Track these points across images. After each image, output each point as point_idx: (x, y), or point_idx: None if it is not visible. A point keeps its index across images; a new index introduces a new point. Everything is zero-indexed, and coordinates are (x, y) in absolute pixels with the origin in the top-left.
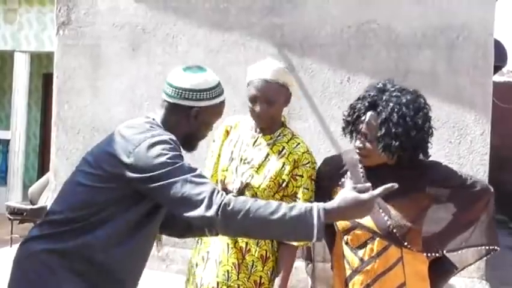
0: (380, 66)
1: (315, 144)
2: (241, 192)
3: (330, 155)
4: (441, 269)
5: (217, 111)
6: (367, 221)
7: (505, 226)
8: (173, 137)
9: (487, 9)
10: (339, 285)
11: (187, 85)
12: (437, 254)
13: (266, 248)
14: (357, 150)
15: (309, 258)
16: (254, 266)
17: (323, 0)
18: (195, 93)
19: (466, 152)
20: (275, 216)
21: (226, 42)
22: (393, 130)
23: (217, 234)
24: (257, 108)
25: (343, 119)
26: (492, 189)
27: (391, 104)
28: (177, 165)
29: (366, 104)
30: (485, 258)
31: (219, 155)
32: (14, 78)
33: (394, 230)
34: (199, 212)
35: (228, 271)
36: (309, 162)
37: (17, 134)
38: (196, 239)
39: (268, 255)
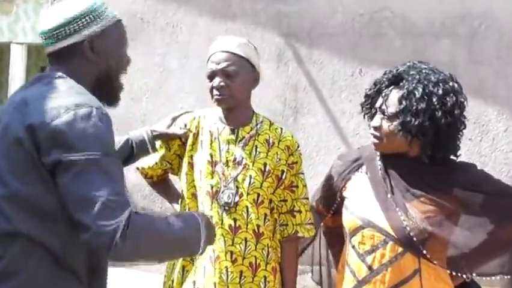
0: (394, 57)
1: (324, 141)
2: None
3: (340, 152)
4: None
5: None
6: (380, 219)
7: None
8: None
9: None
10: None
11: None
12: (464, 276)
13: (275, 258)
14: (372, 131)
15: (317, 262)
16: (267, 282)
17: None
18: (74, 24)
19: (488, 150)
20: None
21: (229, 32)
22: (415, 106)
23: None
24: (215, 83)
25: (365, 94)
26: None
27: (417, 77)
28: None
29: (391, 77)
30: None
31: (191, 163)
32: (11, 70)
33: (411, 234)
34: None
35: None
36: (298, 146)
37: None
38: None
39: (275, 266)
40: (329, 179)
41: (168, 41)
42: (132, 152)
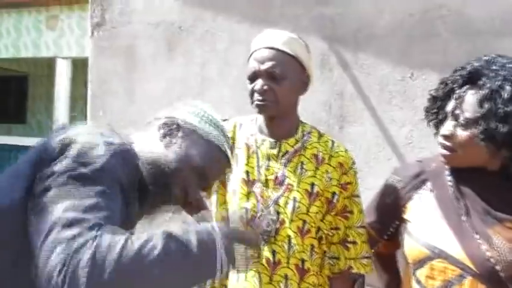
0: (449, 60)
1: (373, 152)
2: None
3: (392, 163)
4: None
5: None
6: (453, 248)
7: None
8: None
9: None
10: None
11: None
12: None
13: None
14: (442, 140)
15: None
16: None
17: None
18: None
19: None
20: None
21: None
22: (502, 109)
23: None
24: (257, 86)
25: (429, 95)
26: None
27: (502, 74)
28: None
29: (465, 74)
30: None
31: (223, 181)
32: (56, 85)
33: (497, 267)
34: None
35: None
36: (354, 163)
37: None
38: None
39: None
40: (384, 197)
41: (207, 49)
42: None
